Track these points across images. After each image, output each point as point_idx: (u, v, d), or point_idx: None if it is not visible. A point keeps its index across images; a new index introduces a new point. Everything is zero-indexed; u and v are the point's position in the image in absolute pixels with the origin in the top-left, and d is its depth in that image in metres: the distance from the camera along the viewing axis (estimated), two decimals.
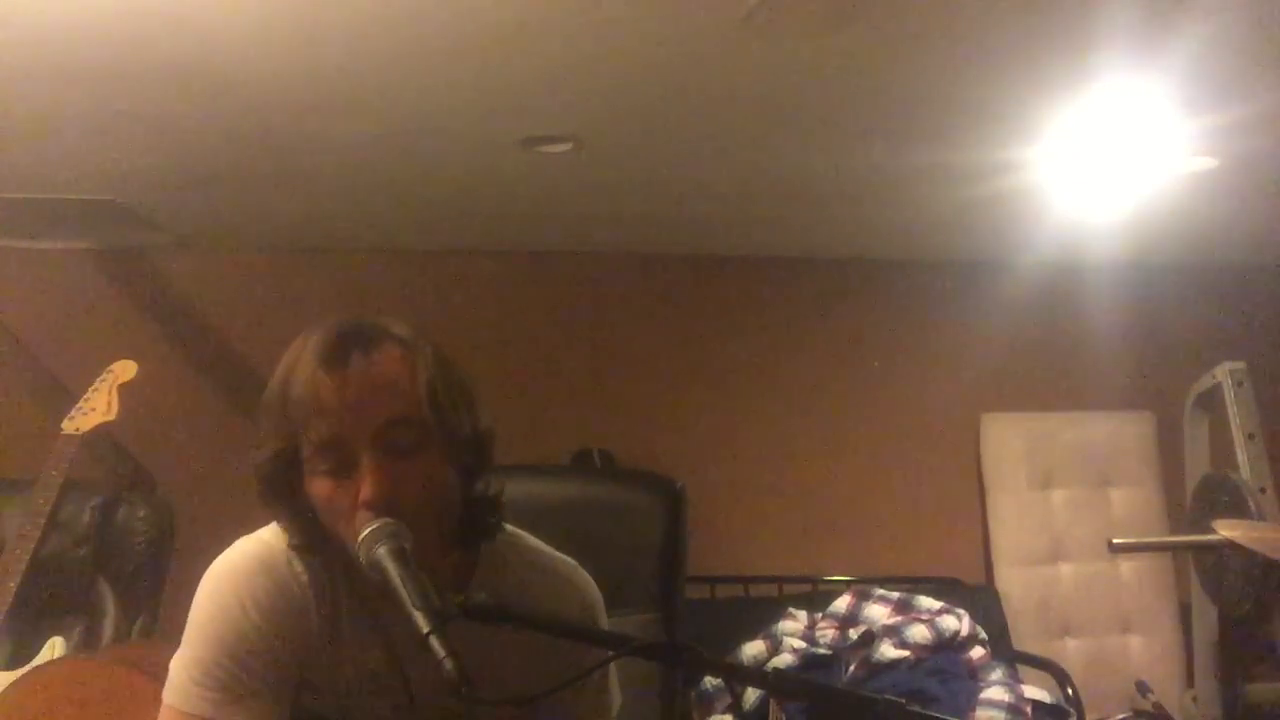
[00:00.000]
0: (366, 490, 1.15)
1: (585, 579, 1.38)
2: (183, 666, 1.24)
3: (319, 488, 1.18)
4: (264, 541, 1.27)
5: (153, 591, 2.64)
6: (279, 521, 1.25)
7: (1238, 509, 2.85)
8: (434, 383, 1.21)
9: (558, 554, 1.39)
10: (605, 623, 1.39)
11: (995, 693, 2.81)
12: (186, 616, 1.27)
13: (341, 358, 1.17)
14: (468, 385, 1.27)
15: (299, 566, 1.25)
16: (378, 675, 1.28)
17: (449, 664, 1.02)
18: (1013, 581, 3.53)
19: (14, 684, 2.02)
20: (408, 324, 1.25)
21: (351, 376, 1.16)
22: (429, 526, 1.19)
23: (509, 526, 1.35)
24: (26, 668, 2.41)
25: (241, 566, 1.25)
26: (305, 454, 1.18)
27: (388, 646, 1.27)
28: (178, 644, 1.27)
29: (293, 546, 1.25)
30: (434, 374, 1.21)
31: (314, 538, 1.23)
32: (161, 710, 1.24)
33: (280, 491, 1.21)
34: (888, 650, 2.84)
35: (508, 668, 1.25)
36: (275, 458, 1.19)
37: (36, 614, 2.47)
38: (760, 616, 3.09)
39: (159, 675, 1.28)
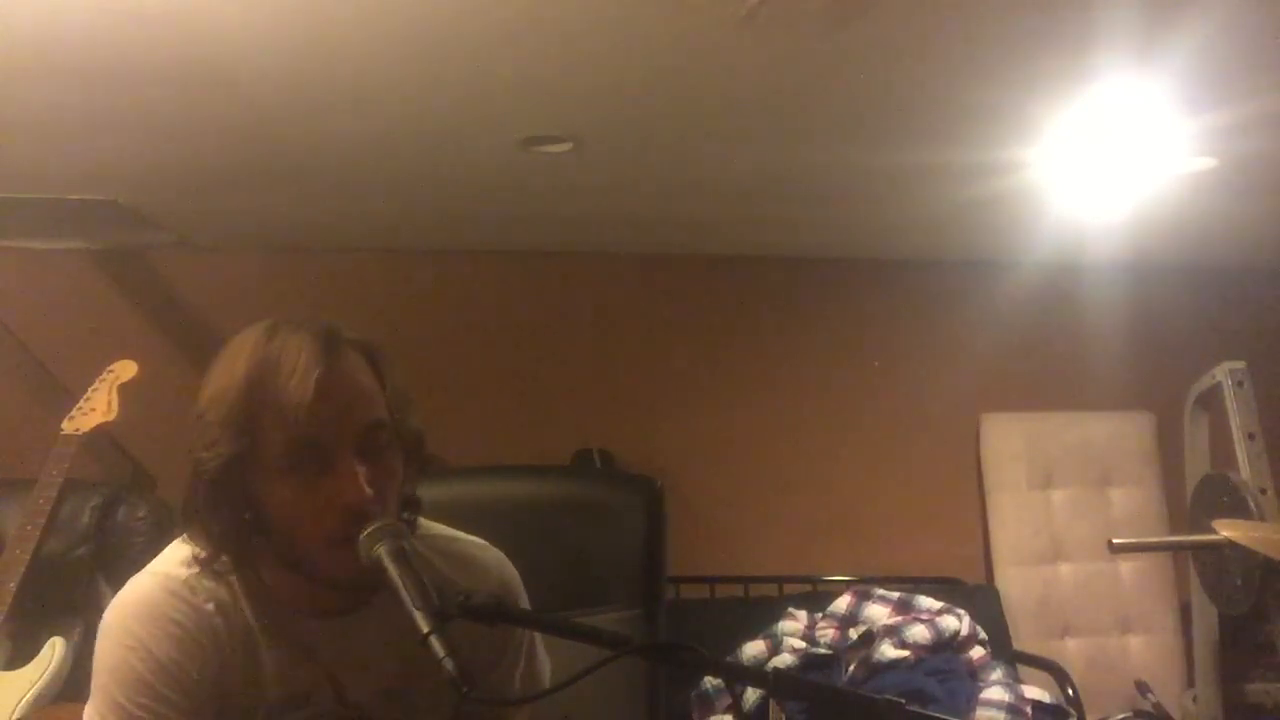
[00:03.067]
0: (352, 491, 1.15)
1: (497, 557, 1.39)
2: (97, 713, 1.21)
3: (285, 488, 1.16)
4: (162, 575, 1.24)
5: None
6: (213, 528, 1.20)
7: (1238, 509, 2.85)
8: (394, 387, 1.24)
9: (467, 537, 1.39)
10: (525, 599, 1.39)
11: (995, 693, 2.81)
12: None
13: (329, 360, 1.17)
14: (407, 388, 1.28)
15: (202, 594, 1.22)
16: (304, 690, 1.26)
17: (449, 664, 1.02)
18: (1013, 581, 3.53)
19: None
20: (353, 328, 1.26)
21: (338, 379, 1.17)
22: None
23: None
24: (26, 667, 2.42)
25: (141, 603, 1.23)
26: (273, 453, 1.15)
27: (315, 662, 1.26)
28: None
29: (208, 560, 1.21)
30: (392, 379, 1.24)
31: (244, 546, 1.21)
32: None
33: (227, 496, 1.17)
34: (888, 650, 2.84)
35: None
36: (231, 460, 1.15)
37: (36, 614, 2.47)
38: (760, 616, 3.09)
39: None
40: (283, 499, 1.16)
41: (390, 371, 1.24)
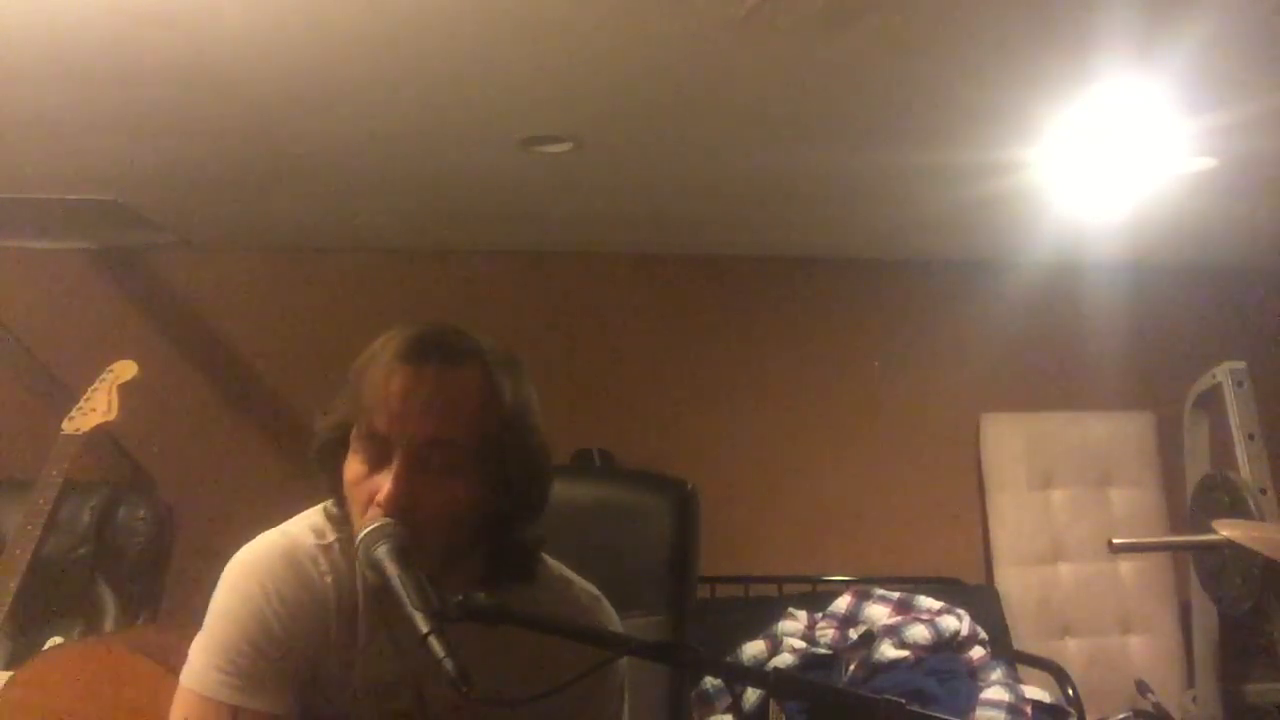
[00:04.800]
0: (386, 490, 1.17)
1: (607, 611, 1.37)
2: (203, 650, 1.24)
3: (352, 468, 1.21)
4: (290, 535, 1.29)
5: (152, 591, 2.65)
6: (327, 487, 1.27)
7: (1238, 509, 2.85)
8: (496, 418, 1.22)
9: (581, 585, 1.38)
10: (626, 660, 1.36)
11: (995, 693, 2.81)
12: (185, 616, 1.27)
13: (418, 361, 1.20)
14: (540, 435, 1.28)
15: (324, 565, 1.26)
16: (389, 684, 1.27)
17: (448, 664, 1.02)
18: (1013, 581, 3.53)
19: (20, 670, 2.00)
20: (501, 346, 1.27)
21: (419, 383, 1.19)
22: (437, 549, 1.20)
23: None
24: None
25: (266, 558, 1.26)
26: (358, 433, 1.21)
27: (401, 656, 1.27)
28: (183, 629, 1.28)
29: (337, 517, 1.27)
30: (505, 410, 1.23)
31: (345, 514, 1.26)
32: (178, 692, 1.24)
33: (328, 460, 1.25)
34: (888, 650, 2.84)
35: (515, 681, 1.23)
36: (335, 427, 1.24)
37: (36, 614, 2.47)
38: (760, 616, 3.09)
39: (164, 659, 1.28)
40: (349, 477, 1.22)
41: (510, 406, 1.23)
